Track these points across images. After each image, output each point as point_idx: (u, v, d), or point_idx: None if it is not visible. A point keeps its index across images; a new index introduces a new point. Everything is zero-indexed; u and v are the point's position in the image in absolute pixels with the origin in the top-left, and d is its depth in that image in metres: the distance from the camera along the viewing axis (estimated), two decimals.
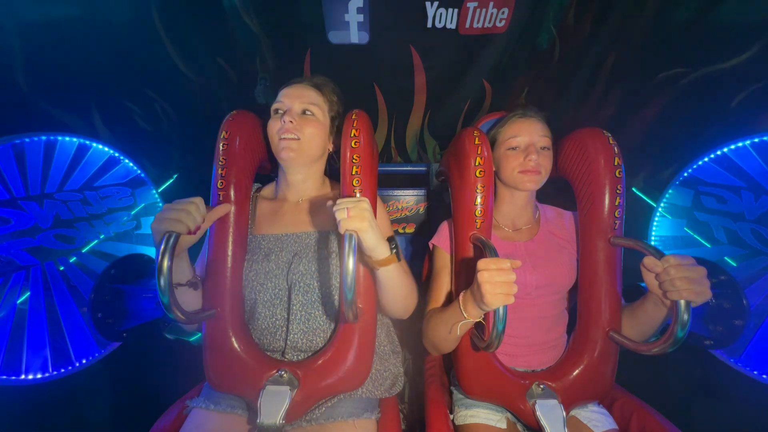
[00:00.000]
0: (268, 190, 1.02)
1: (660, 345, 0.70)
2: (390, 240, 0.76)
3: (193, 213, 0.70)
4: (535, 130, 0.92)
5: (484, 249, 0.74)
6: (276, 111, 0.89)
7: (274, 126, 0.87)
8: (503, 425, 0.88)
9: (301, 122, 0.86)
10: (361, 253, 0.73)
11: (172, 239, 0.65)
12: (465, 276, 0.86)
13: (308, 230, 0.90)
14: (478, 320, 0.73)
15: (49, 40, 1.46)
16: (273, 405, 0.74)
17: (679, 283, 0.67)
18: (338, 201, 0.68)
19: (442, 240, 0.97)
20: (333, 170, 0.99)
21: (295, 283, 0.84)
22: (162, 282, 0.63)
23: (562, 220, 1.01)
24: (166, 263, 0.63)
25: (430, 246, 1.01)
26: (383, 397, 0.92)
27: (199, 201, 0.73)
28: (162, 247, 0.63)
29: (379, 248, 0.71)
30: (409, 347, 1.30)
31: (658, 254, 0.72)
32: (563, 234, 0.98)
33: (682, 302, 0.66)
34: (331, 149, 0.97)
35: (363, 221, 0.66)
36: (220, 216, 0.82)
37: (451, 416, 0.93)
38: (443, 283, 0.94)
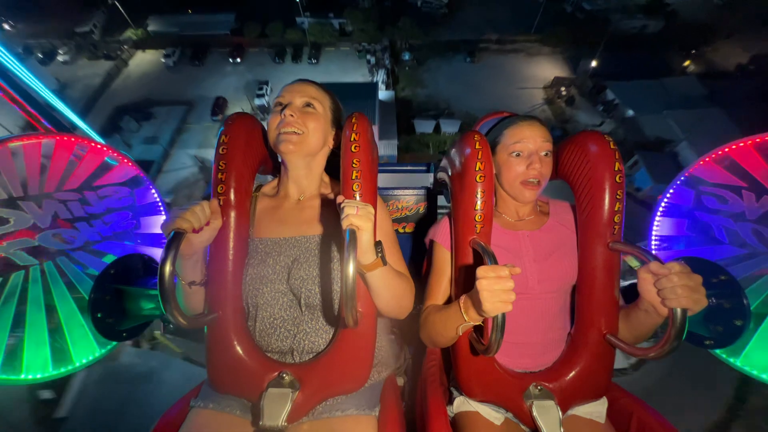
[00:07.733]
0: (269, 186, 1.02)
1: (656, 350, 0.70)
2: (377, 245, 0.76)
3: (197, 213, 0.75)
4: (538, 136, 0.91)
5: (483, 255, 0.74)
6: (277, 105, 0.90)
7: (274, 120, 0.88)
8: (499, 422, 0.89)
9: (303, 116, 0.87)
10: None
11: (175, 243, 0.65)
12: (464, 280, 0.86)
13: (308, 234, 0.90)
14: (477, 323, 0.74)
15: None
16: (275, 407, 0.75)
17: (680, 290, 0.68)
18: (347, 200, 0.71)
19: (441, 236, 0.97)
20: (334, 169, 0.98)
21: (296, 287, 0.84)
22: (164, 288, 0.62)
23: (570, 215, 1.00)
24: (167, 269, 0.63)
25: (427, 242, 1.01)
26: (382, 392, 0.92)
27: (204, 203, 0.78)
28: (164, 253, 0.63)
29: (369, 253, 0.74)
30: (409, 346, 1.30)
31: (659, 262, 0.72)
32: (571, 227, 0.97)
33: (679, 310, 0.67)
34: (331, 145, 0.97)
35: (368, 222, 0.69)
36: (218, 227, 0.83)
37: (450, 407, 0.94)
38: (441, 279, 0.95)
